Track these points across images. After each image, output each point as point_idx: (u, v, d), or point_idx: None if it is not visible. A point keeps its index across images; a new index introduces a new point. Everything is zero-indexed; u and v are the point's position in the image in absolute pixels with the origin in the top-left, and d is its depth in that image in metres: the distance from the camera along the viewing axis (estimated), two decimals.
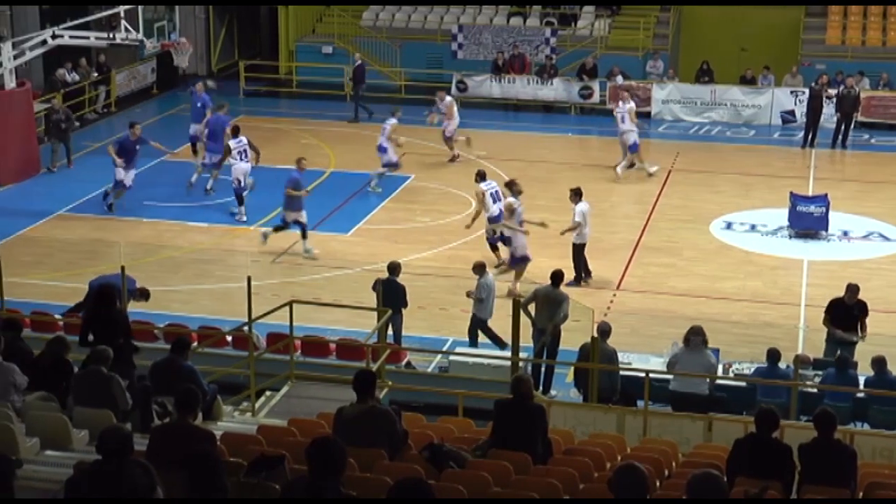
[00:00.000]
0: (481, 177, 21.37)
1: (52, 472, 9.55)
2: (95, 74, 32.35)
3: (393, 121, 25.38)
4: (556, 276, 16.69)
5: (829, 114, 29.92)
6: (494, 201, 20.83)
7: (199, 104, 26.59)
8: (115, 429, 7.83)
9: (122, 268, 16.38)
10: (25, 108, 26.43)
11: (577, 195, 20.23)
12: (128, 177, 23.77)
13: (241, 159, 23.13)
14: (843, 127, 29.59)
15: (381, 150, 25.07)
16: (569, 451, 10.97)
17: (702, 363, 14.71)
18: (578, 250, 20.24)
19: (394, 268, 17.10)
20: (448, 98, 28.03)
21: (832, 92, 29.70)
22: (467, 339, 17.26)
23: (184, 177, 25.00)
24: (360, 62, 32.38)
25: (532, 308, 16.33)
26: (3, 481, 6.96)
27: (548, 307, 16.35)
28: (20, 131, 25.75)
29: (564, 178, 24.74)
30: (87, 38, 27.46)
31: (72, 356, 12.26)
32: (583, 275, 20.27)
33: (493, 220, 20.84)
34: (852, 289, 16.37)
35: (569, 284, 19.67)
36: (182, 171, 25.46)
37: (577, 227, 19.95)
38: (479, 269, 17.34)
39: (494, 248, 20.96)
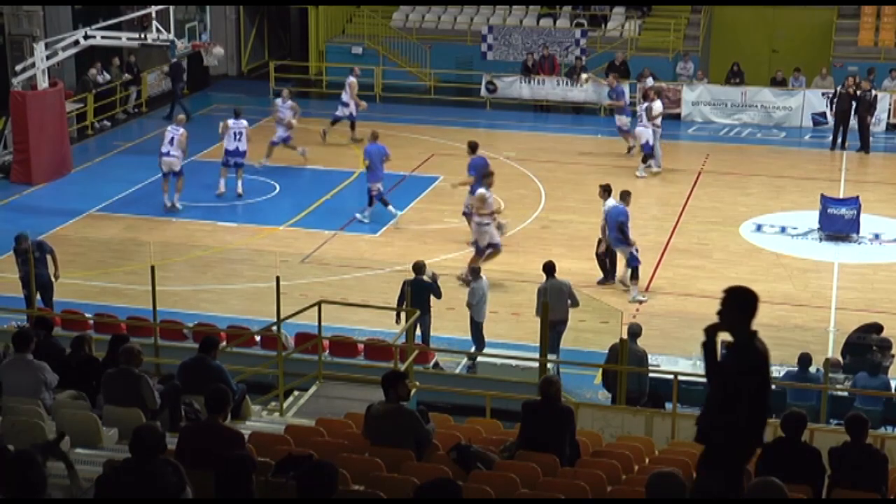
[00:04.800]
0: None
1: (81, 470, 9.59)
2: (126, 75, 32.50)
3: (352, 79, 28.90)
4: (548, 267, 17.00)
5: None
6: None
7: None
8: (149, 427, 7.87)
9: None
10: (58, 109, 26.58)
11: (605, 192, 20.27)
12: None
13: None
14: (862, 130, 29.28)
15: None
16: (597, 454, 10.95)
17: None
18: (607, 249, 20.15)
19: (419, 267, 17.09)
20: (290, 101, 27.30)
21: (858, 94, 29.46)
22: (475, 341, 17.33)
23: (213, 177, 25.05)
24: (177, 60, 31.26)
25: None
26: (32, 475, 6.94)
27: (557, 298, 16.50)
28: (53, 131, 25.90)
29: (593, 179, 24.64)
30: (119, 38, 27.61)
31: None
32: (607, 274, 20.19)
33: None
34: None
35: (598, 282, 19.83)
36: (211, 171, 25.51)
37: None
38: (474, 272, 17.49)
39: None
